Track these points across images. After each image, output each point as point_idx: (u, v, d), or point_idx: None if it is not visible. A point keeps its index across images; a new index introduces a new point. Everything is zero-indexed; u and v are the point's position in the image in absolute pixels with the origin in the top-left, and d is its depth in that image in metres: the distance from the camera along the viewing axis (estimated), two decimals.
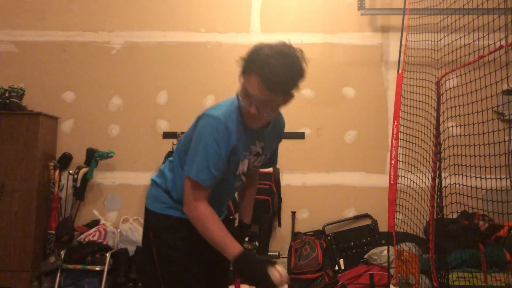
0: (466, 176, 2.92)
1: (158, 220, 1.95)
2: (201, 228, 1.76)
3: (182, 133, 4.59)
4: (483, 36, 2.77)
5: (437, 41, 3.55)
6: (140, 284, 4.06)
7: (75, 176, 4.42)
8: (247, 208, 2.26)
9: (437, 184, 3.20)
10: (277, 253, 4.34)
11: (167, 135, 4.62)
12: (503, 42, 2.49)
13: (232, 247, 1.72)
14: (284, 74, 1.68)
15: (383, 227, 4.27)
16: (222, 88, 4.71)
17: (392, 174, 3.61)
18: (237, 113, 1.82)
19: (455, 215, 3.75)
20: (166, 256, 1.93)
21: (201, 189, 1.76)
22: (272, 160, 2.20)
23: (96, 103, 4.70)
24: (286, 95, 1.78)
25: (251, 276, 1.70)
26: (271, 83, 1.66)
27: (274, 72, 1.65)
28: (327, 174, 4.64)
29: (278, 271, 1.69)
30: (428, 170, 3.36)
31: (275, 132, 2.02)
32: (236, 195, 2.32)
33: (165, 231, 1.93)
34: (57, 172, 4.40)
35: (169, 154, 4.47)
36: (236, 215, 2.35)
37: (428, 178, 3.36)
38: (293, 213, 4.54)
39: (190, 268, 1.92)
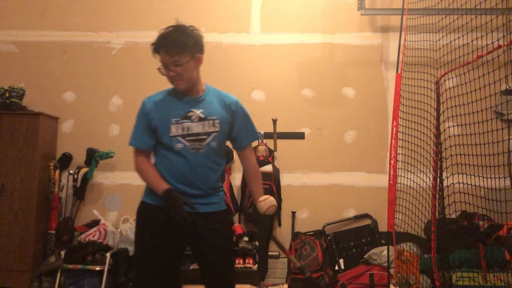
0: (466, 176, 2.93)
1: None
2: (140, 173, 2.38)
3: None
4: (482, 36, 2.78)
5: (436, 41, 3.55)
6: None
7: (75, 176, 4.43)
8: (253, 188, 2.56)
9: (438, 184, 3.21)
10: (277, 253, 4.33)
11: None
12: (501, 42, 2.50)
13: (161, 185, 2.28)
14: (173, 38, 2.28)
15: (383, 227, 4.27)
16: (222, 88, 4.67)
17: (391, 174, 3.61)
18: (167, 91, 2.46)
19: (456, 215, 3.75)
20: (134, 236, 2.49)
21: (136, 150, 2.40)
22: (243, 135, 2.51)
23: (96, 103, 4.71)
24: (185, 55, 2.29)
25: (171, 207, 2.21)
26: (166, 48, 2.27)
27: (166, 39, 2.28)
28: (327, 174, 4.64)
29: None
30: (429, 170, 3.36)
31: (221, 104, 2.44)
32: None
33: (137, 214, 2.46)
34: (57, 172, 4.41)
35: None
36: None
37: (428, 178, 3.37)
38: (293, 213, 4.54)
39: (143, 249, 2.38)
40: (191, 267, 4.17)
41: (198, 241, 2.36)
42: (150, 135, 2.37)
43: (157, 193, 2.27)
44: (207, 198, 2.38)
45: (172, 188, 2.27)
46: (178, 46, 2.28)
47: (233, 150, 4.31)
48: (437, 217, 3.25)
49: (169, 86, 2.48)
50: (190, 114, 2.35)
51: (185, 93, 2.39)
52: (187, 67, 2.32)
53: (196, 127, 2.33)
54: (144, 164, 2.38)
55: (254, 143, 4.58)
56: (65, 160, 4.52)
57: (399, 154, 3.73)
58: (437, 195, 3.22)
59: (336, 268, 4.23)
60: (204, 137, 2.34)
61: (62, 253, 4.04)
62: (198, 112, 2.35)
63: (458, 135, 3.04)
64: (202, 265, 2.43)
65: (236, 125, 2.46)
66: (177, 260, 2.44)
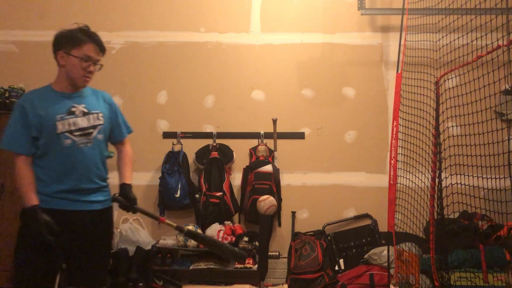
0: (466, 176, 2.93)
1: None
2: (16, 178, 2.36)
3: (182, 133, 4.61)
4: (482, 36, 2.77)
5: (436, 41, 3.55)
6: (140, 284, 4.07)
7: None
8: (124, 169, 2.66)
9: (437, 184, 3.21)
10: (277, 253, 4.34)
11: (167, 135, 4.63)
12: (501, 42, 2.49)
13: (28, 198, 2.26)
14: (101, 40, 2.42)
15: (383, 227, 4.27)
16: (222, 88, 4.72)
17: (391, 174, 3.61)
18: (39, 90, 2.50)
19: (455, 215, 3.75)
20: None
21: (14, 154, 2.40)
22: (123, 127, 2.67)
23: None
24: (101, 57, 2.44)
25: (32, 226, 2.23)
26: (101, 46, 2.40)
27: (99, 38, 2.40)
28: (327, 174, 4.64)
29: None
30: (428, 170, 3.36)
31: (99, 99, 2.52)
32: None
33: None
34: None
35: (169, 154, 4.48)
36: None
37: (427, 178, 3.36)
38: (293, 213, 4.54)
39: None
40: (191, 267, 4.18)
41: (81, 238, 2.39)
42: (26, 137, 2.35)
43: (24, 203, 2.28)
44: (97, 194, 2.47)
45: (37, 207, 2.25)
46: (105, 48, 2.46)
47: (232, 150, 4.29)
48: (435, 217, 3.24)
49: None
50: (73, 109, 2.40)
51: (64, 89, 2.44)
52: (97, 70, 2.48)
53: (82, 122, 2.40)
54: (22, 170, 2.36)
55: (255, 143, 4.59)
56: None
57: (399, 154, 3.73)
58: (436, 195, 3.22)
59: (336, 268, 4.23)
60: (91, 130, 2.42)
61: None
62: (80, 107, 2.42)
63: (458, 135, 3.03)
64: (76, 261, 2.45)
65: (114, 118, 2.58)
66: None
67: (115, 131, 2.62)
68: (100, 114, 2.47)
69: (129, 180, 2.57)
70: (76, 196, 2.38)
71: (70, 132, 2.35)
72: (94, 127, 2.43)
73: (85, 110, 2.42)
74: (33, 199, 2.26)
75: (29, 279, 2.39)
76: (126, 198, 2.51)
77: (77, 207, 2.38)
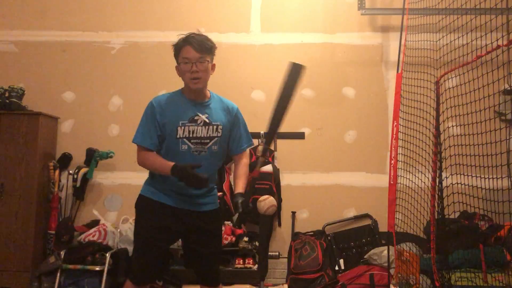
0: (466, 176, 2.92)
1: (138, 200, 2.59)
2: (144, 163, 2.47)
3: None
4: (481, 36, 2.77)
5: (436, 41, 3.55)
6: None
7: (75, 176, 4.43)
8: (237, 181, 2.60)
9: (437, 184, 3.20)
10: (277, 253, 4.34)
11: None
12: (500, 42, 2.49)
13: (167, 165, 2.35)
14: (201, 38, 2.45)
15: (383, 227, 4.27)
16: (222, 88, 4.68)
17: (392, 174, 3.61)
18: (174, 94, 2.56)
19: (455, 215, 3.75)
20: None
21: (140, 147, 2.48)
22: (243, 140, 2.69)
23: (96, 103, 4.71)
24: (209, 55, 2.47)
25: (183, 176, 2.28)
26: (195, 44, 2.41)
27: (195, 37, 2.43)
28: (327, 174, 4.64)
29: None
30: (428, 170, 3.36)
31: (224, 111, 2.57)
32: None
33: (136, 206, 2.58)
34: (57, 172, 4.40)
35: None
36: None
37: (428, 178, 3.36)
38: (293, 213, 4.54)
39: (143, 239, 2.51)
40: None
41: (191, 235, 2.54)
42: (156, 135, 2.47)
43: (166, 174, 2.35)
44: (203, 198, 2.54)
45: (177, 163, 2.34)
46: (206, 45, 2.45)
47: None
48: (436, 217, 3.24)
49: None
50: (196, 118, 2.47)
51: (192, 97, 2.51)
52: (207, 68, 2.48)
53: (201, 131, 2.45)
54: (148, 155, 2.47)
55: (255, 143, 4.58)
56: (65, 160, 4.52)
57: (399, 154, 3.73)
58: (436, 195, 3.21)
59: (336, 268, 4.22)
60: (207, 141, 2.47)
61: (62, 253, 4.04)
62: (203, 117, 2.48)
63: (458, 135, 3.03)
64: (191, 257, 2.63)
65: (236, 130, 2.61)
66: (168, 250, 2.66)
67: (234, 144, 2.64)
68: (220, 126, 2.51)
69: (240, 190, 2.54)
70: (184, 198, 2.49)
71: (188, 139, 2.45)
72: (211, 138, 2.48)
73: (207, 120, 2.48)
74: (169, 163, 2.35)
75: (146, 260, 2.49)
76: (233, 204, 2.54)
77: (185, 206, 2.49)
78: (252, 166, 4.36)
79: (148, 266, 2.50)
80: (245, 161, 2.68)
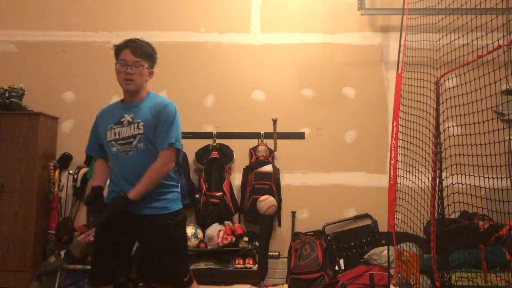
0: (466, 176, 2.92)
1: None
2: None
3: (182, 132, 4.57)
4: (482, 36, 2.77)
5: (436, 41, 3.55)
6: (140, 284, 4.06)
7: (75, 176, 4.43)
8: (140, 181, 2.50)
9: (437, 184, 3.20)
10: (277, 253, 4.34)
11: None
12: (501, 42, 2.49)
13: (94, 182, 2.63)
14: (141, 43, 2.61)
15: (383, 227, 4.27)
16: (222, 88, 4.72)
17: (392, 174, 3.61)
18: (116, 102, 2.69)
19: (455, 215, 3.74)
20: None
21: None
22: (156, 140, 2.56)
23: (96, 103, 4.66)
24: (146, 61, 2.57)
25: (89, 203, 2.54)
26: (134, 48, 2.55)
27: (135, 42, 2.60)
28: (327, 174, 4.64)
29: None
30: (428, 170, 3.36)
31: (150, 108, 2.56)
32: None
33: None
34: (57, 172, 4.40)
35: None
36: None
37: (428, 178, 3.36)
38: (293, 213, 4.54)
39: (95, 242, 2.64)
40: (191, 267, 4.16)
41: (141, 239, 2.59)
42: (96, 143, 2.71)
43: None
44: (149, 201, 2.51)
45: (98, 186, 2.57)
46: (144, 51, 2.58)
47: (232, 150, 4.32)
48: (436, 217, 3.24)
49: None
50: (122, 119, 2.57)
51: (127, 100, 2.62)
52: (142, 73, 2.57)
53: (125, 131, 2.53)
54: (96, 163, 2.74)
55: (255, 143, 4.59)
56: (65, 160, 4.52)
57: (399, 154, 3.73)
58: (437, 195, 3.21)
59: (336, 268, 4.22)
60: (131, 139, 2.52)
61: (62, 253, 4.04)
62: (128, 117, 2.56)
63: (458, 135, 3.03)
64: (148, 264, 2.61)
65: (159, 127, 2.54)
66: (123, 251, 2.61)
67: (156, 141, 2.55)
68: (141, 124, 2.52)
69: (130, 194, 2.45)
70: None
71: (115, 140, 2.54)
72: (134, 136, 2.52)
73: (130, 119, 2.55)
74: (96, 182, 2.63)
75: None
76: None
77: (130, 208, 2.48)
78: (251, 167, 4.40)
79: (99, 267, 2.56)
80: (158, 163, 2.51)
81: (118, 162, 2.55)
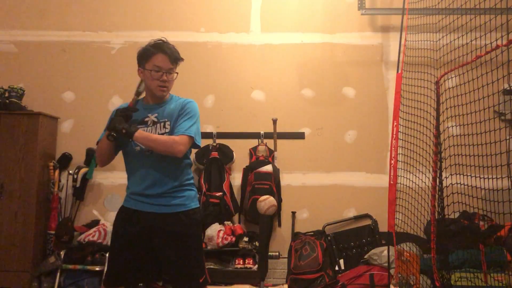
0: (466, 176, 2.92)
1: None
2: (97, 152, 2.56)
3: None
4: (481, 36, 2.77)
5: (436, 41, 3.54)
6: (140, 284, 4.05)
7: (75, 176, 4.43)
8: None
9: (437, 184, 3.20)
10: (277, 253, 4.34)
11: None
12: (500, 42, 2.49)
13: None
14: (173, 49, 2.53)
15: (383, 227, 4.27)
16: (222, 88, 4.71)
17: (392, 174, 3.61)
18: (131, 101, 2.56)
19: (455, 215, 3.74)
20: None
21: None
22: (177, 128, 2.50)
23: (96, 103, 4.70)
24: (176, 67, 2.53)
25: (112, 121, 2.42)
26: (169, 54, 2.48)
27: (168, 47, 2.51)
28: (327, 174, 4.64)
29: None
30: (428, 170, 3.35)
31: (175, 107, 2.52)
32: None
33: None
34: (56, 172, 4.40)
35: None
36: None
37: (428, 178, 3.36)
38: (293, 213, 4.54)
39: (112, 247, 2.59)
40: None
41: (158, 240, 2.45)
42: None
43: (106, 139, 2.41)
44: (167, 199, 2.47)
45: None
46: (177, 57, 2.51)
47: (232, 150, 4.32)
48: (436, 217, 3.24)
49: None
50: (146, 119, 2.52)
51: (150, 101, 2.57)
52: (173, 79, 2.54)
53: (150, 131, 2.48)
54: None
55: (255, 143, 4.59)
56: (65, 160, 4.52)
57: (399, 154, 3.73)
58: (437, 195, 3.21)
59: (336, 268, 4.22)
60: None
61: (62, 253, 4.04)
62: (152, 117, 2.52)
63: (458, 135, 3.03)
64: (163, 265, 2.50)
65: (180, 119, 2.50)
66: (143, 258, 2.50)
67: (174, 131, 2.49)
68: (168, 123, 2.49)
69: (138, 132, 2.39)
70: (145, 199, 2.47)
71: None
72: (160, 135, 2.46)
73: (155, 119, 2.50)
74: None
75: None
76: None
77: (144, 208, 2.46)
78: (251, 167, 4.40)
79: (113, 271, 2.53)
80: (174, 137, 2.44)
81: (139, 161, 2.49)
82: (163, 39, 2.57)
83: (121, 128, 2.35)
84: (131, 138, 2.36)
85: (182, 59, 2.55)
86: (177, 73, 2.54)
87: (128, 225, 2.47)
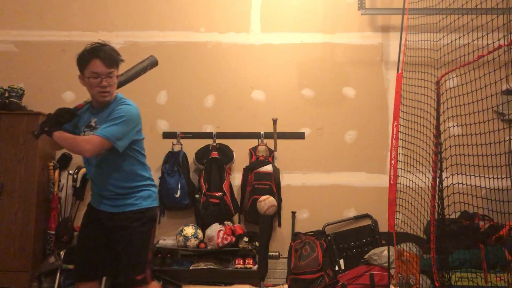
0: (467, 176, 2.92)
1: None
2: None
3: (182, 133, 4.60)
4: (482, 36, 2.77)
5: (437, 41, 3.54)
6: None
7: (75, 176, 4.42)
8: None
9: (437, 184, 3.20)
10: (277, 253, 4.33)
11: (167, 135, 4.63)
12: (501, 42, 2.49)
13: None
14: (110, 51, 2.46)
15: (383, 227, 4.27)
16: (222, 88, 4.71)
17: (392, 174, 3.61)
18: (88, 105, 2.60)
19: (456, 215, 3.74)
20: None
21: None
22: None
23: None
24: (116, 69, 2.48)
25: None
26: (104, 59, 2.41)
27: (103, 50, 2.43)
28: (327, 174, 4.63)
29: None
30: (428, 170, 3.35)
31: (109, 110, 2.51)
32: None
33: None
34: (56, 172, 4.40)
35: (169, 154, 4.48)
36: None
37: (428, 178, 3.36)
38: (293, 213, 4.54)
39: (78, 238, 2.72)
40: (191, 268, 4.17)
41: (111, 236, 2.55)
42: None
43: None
44: (120, 200, 2.54)
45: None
46: (114, 59, 2.47)
47: (232, 150, 4.32)
48: (436, 217, 3.24)
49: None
50: (91, 123, 2.54)
51: (96, 105, 2.56)
52: (115, 81, 2.51)
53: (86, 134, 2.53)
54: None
55: (255, 143, 4.58)
56: (65, 160, 4.51)
57: (399, 154, 3.73)
58: (437, 196, 3.21)
59: (336, 268, 4.22)
60: None
61: (62, 253, 4.04)
62: (93, 121, 2.54)
63: (459, 135, 3.03)
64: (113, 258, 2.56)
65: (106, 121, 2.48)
66: (101, 253, 2.58)
67: None
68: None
69: (57, 132, 2.48)
70: (102, 199, 2.58)
71: None
72: None
73: (94, 124, 2.52)
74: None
75: None
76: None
77: (100, 206, 2.58)
78: (251, 167, 4.40)
79: (80, 263, 2.62)
80: (84, 138, 2.47)
81: (89, 165, 2.61)
82: (100, 41, 2.51)
83: (43, 127, 2.45)
84: (50, 137, 2.46)
85: (122, 60, 2.51)
86: (117, 76, 2.50)
87: (90, 221, 2.62)
